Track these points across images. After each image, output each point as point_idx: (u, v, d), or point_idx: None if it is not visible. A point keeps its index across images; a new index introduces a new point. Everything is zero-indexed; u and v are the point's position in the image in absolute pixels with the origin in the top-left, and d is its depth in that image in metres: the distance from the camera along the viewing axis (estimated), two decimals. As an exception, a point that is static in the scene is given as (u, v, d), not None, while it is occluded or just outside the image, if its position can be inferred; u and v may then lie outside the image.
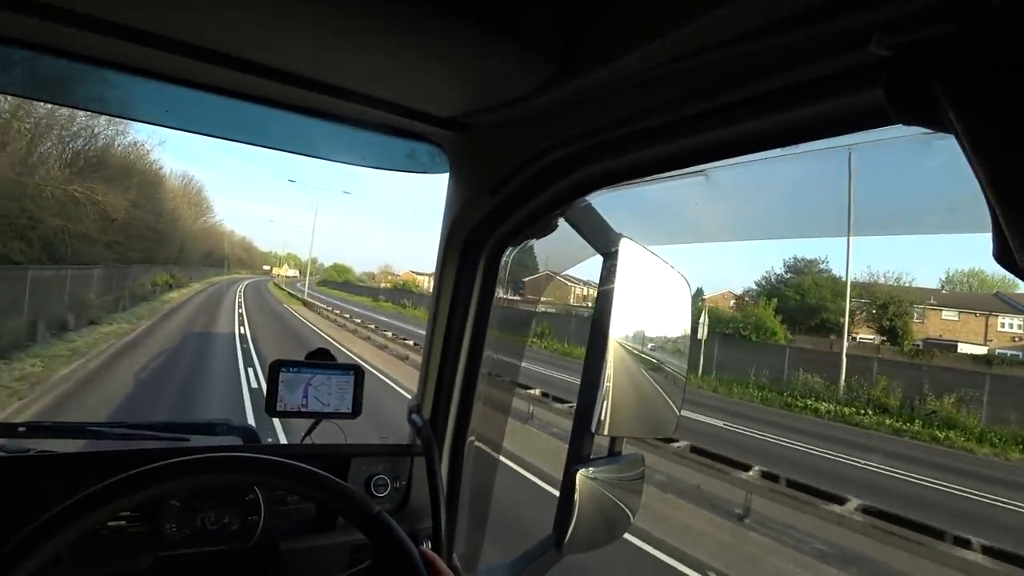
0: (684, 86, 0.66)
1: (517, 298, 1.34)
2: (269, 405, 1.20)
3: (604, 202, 0.95)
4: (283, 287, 64.02)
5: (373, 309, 42.93)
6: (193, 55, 0.83)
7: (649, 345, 0.99)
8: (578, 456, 1.01)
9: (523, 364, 1.46)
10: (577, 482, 0.96)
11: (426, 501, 1.18)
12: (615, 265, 0.90)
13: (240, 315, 24.01)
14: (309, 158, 1.31)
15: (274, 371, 1.20)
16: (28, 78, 1.01)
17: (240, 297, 35.24)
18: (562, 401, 9.81)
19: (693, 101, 0.67)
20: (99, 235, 20.86)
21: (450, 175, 1.18)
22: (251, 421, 7.54)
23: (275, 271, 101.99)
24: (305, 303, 35.88)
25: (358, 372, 1.25)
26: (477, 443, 1.30)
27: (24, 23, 0.76)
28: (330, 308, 30.95)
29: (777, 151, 0.67)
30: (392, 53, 0.79)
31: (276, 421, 6.32)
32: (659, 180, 0.82)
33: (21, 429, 1.17)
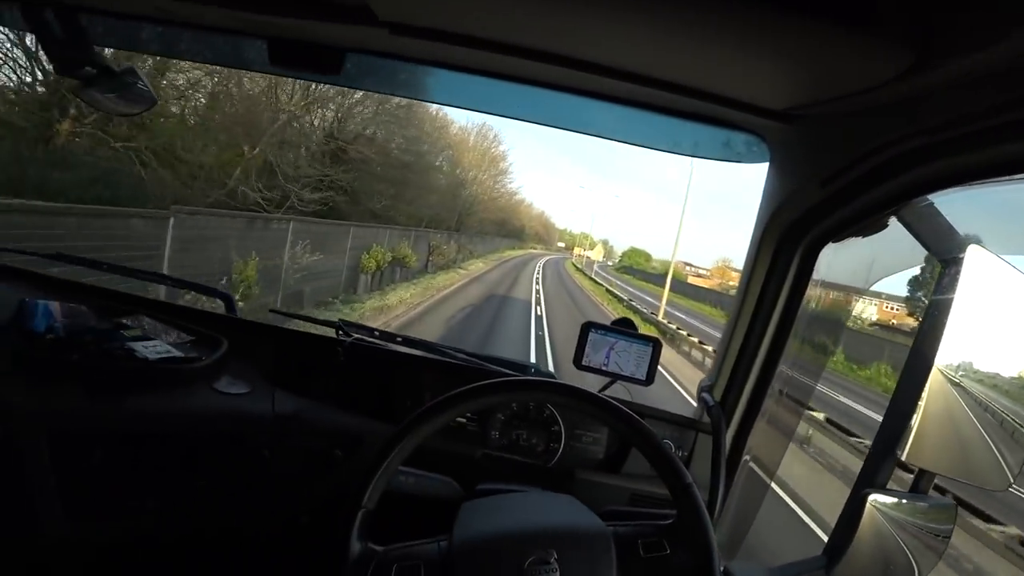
0: None
1: (826, 300, 1.26)
2: (576, 358, 1.39)
3: (949, 202, 0.83)
4: (589, 275, 48.04)
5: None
6: (524, 55, 1.01)
7: (989, 378, 0.83)
8: (871, 479, 0.93)
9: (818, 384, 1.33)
10: (865, 507, 0.88)
11: (704, 477, 1.21)
12: (957, 274, 0.79)
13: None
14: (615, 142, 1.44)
15: (585, 331, 1.39)
16: (384, 79, 1.45)
17: (540, 308, 19.40)
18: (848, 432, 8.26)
19: None
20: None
21: (770, 165, 1.16)
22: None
23: (576, 251, 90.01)
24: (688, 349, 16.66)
25: (656, 344, 1.36)
26: (759, 441, 1.28)
27: (389, 39, 1.06)
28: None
29: None
30: (725, 47, 0.81)
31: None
32: (1030, 179, 0.69)
33: (399, 339, 1.54)
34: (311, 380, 1.34)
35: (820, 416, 9.08)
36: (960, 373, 0.82)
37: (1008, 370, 0.84)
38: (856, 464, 8.39)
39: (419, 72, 1.37)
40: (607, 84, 1.08)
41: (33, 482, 1.01)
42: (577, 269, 55.47)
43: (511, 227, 60.39)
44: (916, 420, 0.83)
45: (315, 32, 1.21)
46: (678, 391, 11.43)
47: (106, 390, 1.09)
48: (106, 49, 1.70)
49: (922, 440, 0.84)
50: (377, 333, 1.51)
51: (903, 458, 0.86)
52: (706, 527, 0.82)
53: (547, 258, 61.28)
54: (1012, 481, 0.85)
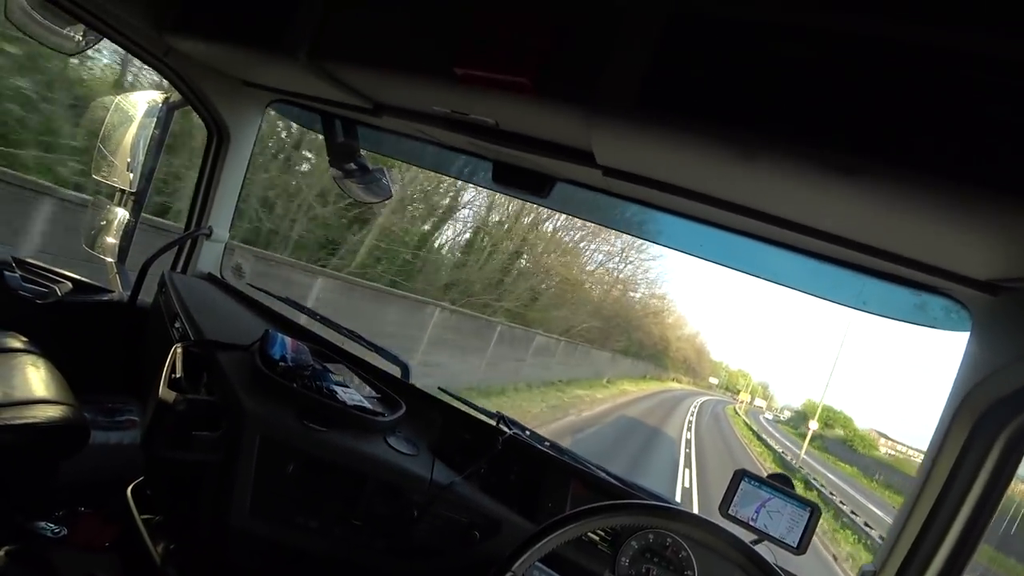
0: None
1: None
2: (723, 506, 1.35)
3: None
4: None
5: None
6: (720, 206, 1.11)
7: None
8: None
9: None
10: None
11: None
12: None
13: None
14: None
15: (737, 478, 1.35)
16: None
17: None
18: None
19: None
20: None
21: (971, 335, 1.09)
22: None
23: (742, 396, 70.30)
24: None
25: (815, 511, 1.28)
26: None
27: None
28: None
29: None
30: (933, 217, 0.80)
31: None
32: None
33: (547, 443, 1.61)
34: (468, 459, 1.44)
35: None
36: None
37: None
38: None
39: (619, 205, 1.55)
40: (799, 239, 1.14)
41: (238, 474, 1.21)
42: (766, 449, 26.54)
43: (645, 341, 38.11)
44: None
45: (536, 162, 1.44)
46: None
47: (311, 417, 1.30)
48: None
49: None
50: (528, 433, 1.59)
51: None
52: None
53: (702, 400, 40.77)
54: None
